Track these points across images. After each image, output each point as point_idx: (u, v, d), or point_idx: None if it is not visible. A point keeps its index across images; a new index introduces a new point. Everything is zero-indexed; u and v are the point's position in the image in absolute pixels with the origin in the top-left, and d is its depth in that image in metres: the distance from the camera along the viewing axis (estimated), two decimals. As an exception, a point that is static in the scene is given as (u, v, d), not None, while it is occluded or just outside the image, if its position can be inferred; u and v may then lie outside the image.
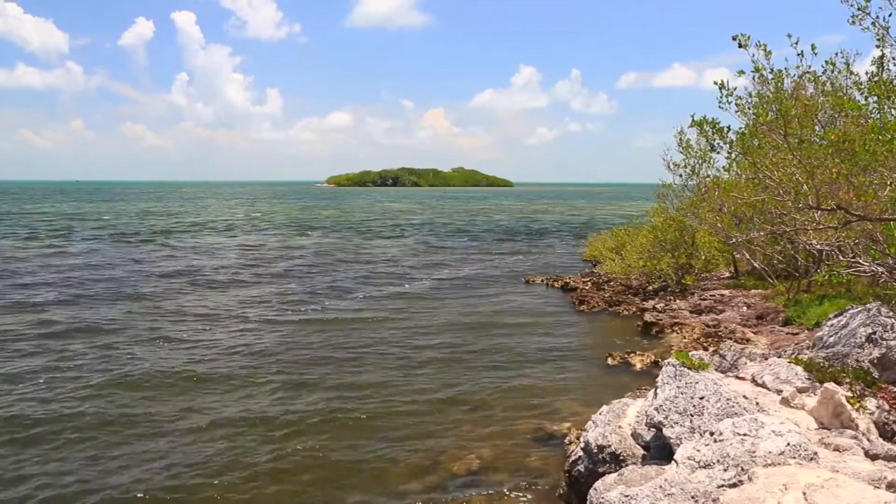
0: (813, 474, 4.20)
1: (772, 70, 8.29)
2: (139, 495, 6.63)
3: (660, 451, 5.64)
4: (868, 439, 5.45)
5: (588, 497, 4.94)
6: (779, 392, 6.45)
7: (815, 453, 4.56)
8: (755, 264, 16.31)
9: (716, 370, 7.80)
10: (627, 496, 4.35)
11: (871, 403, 6.08)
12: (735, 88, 8.58)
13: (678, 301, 16.02)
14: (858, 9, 7.71)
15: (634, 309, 15.80)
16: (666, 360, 6.18)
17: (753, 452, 4.45)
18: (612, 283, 19.43)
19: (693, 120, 8.97)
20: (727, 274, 19.28)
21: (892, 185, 7.53)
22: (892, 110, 7.88)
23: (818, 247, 9.57)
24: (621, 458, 5.95)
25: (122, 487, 6.79)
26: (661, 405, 5.57)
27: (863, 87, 8.67)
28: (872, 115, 7.72)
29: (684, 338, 12.60)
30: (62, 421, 8.50)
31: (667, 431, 5.39)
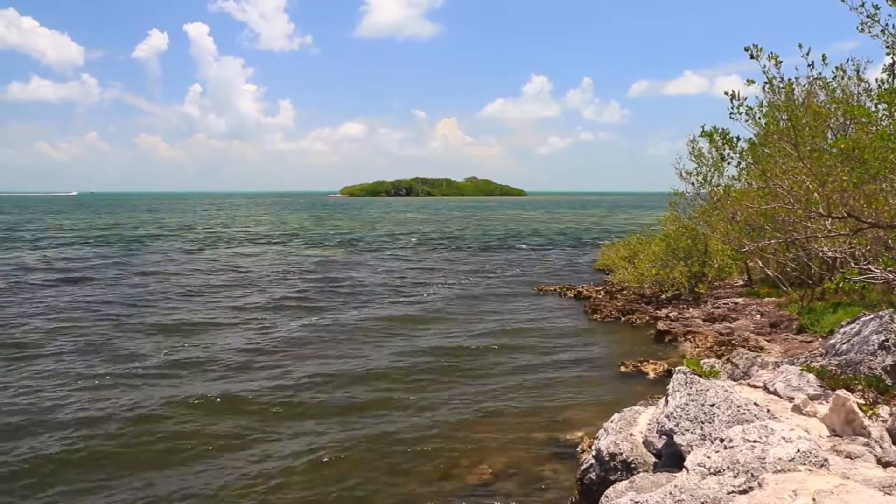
0: (823, 480, 4.22)
1: (782, 79, 8.34)
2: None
3: (671, 458, 5.66)
4: (881, 446, 5.44)
5: (599, 504, 4.98)
6: (790, 399, 6.46)
7: (826, 460, 4.57)
8: (768, 272, 16.24)
9: (728, 378, 7.81)
10: (637, 503, 4.39)
11: (883, 411, 6.08)
12: (745, 98, 8.64)
13: (691, 309, 15.98)
14: (868, 16, 7.75)
15: (647, 317, 15.77)
16: (677, 368, 6.21)
17: (763, 459, 4.47)
18: (624, 292, 19.40)
19: (703, 130, 9.03)
20: (740, 282, 19.20)
21: (903, 192, 7.53)
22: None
23: (830, 254, 9.56)
24: (633, 465, 5.98)
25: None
26: (671, 412, 5.60)
27: (873, 94, 8.68)
28: (882, 123, 7.73)
29: (697, 346, 12.57)
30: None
31: (678, 439, 5.42)
